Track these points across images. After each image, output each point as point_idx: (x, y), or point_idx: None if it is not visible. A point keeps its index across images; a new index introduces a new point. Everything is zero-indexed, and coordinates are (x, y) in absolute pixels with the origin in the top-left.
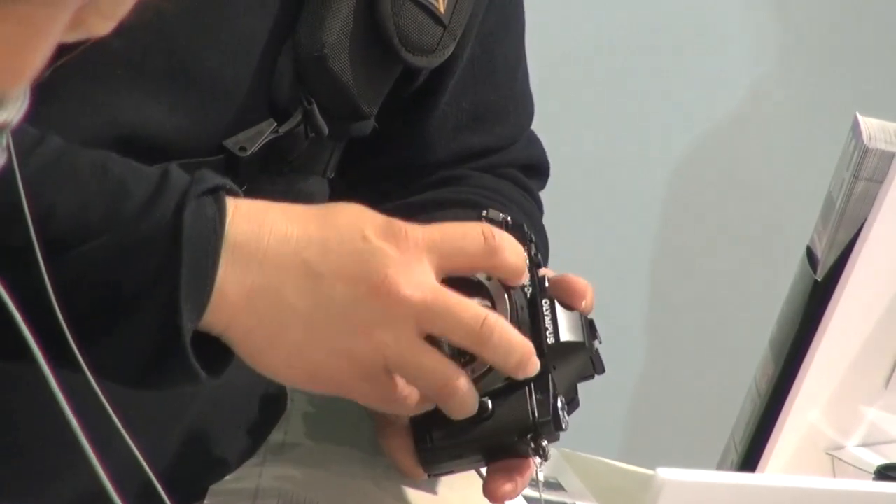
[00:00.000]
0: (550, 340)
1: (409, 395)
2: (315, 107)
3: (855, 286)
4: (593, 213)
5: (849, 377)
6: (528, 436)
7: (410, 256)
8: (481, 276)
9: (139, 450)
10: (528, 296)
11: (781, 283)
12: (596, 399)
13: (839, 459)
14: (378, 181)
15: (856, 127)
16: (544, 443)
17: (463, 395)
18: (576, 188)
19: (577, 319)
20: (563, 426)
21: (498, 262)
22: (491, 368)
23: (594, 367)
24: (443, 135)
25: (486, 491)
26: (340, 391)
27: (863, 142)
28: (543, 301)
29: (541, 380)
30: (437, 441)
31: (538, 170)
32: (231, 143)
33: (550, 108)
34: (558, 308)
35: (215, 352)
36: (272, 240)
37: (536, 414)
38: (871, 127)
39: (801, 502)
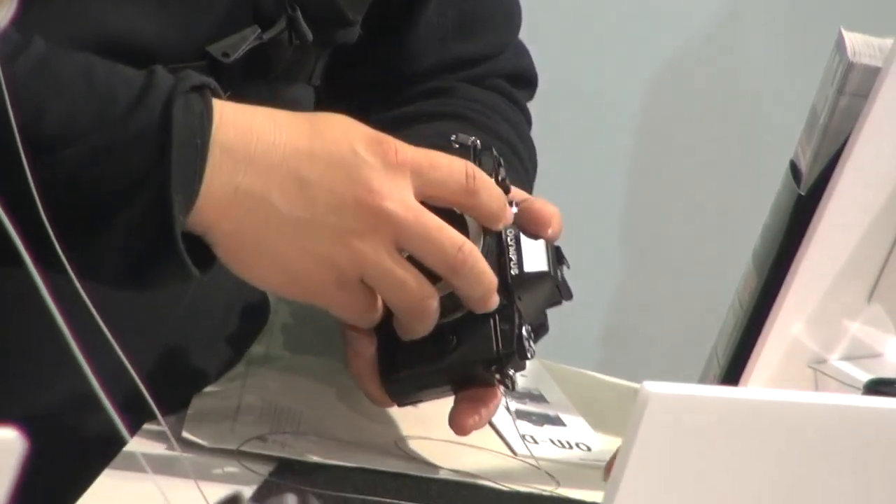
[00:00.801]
0: (514, 271)
1: (381, 309)
2: (299, 13)
3: (839, 200)
4: (571, 129)
5: (832, 291)
6: (493, 367)
7: (395, 173)
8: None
9: (127, 354)
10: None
11: (765, 196)
12: (577, 312)
13: (822, 373)
14: (364, 91)
15: (840, 42)
16: (510, 372)
17: (432, 315)
18: (550, 106)
19: (541, 248)
20: (529, 355)
21: (474, 203)
22: (450, 296)
23: (561, 294)
24: (429, 44)
25: (452, 423)
26: (316, 298)
27: (847, 57)
28: (508, 231)
29: (505, 310)
30: (404, 373)
31: (526, 80)
32: (214, 49)
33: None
34: (523, 238)
35: (199, 254)
36: (259, 146)
37: (500, 346)
38: (856, 42)
39: (790, 417)
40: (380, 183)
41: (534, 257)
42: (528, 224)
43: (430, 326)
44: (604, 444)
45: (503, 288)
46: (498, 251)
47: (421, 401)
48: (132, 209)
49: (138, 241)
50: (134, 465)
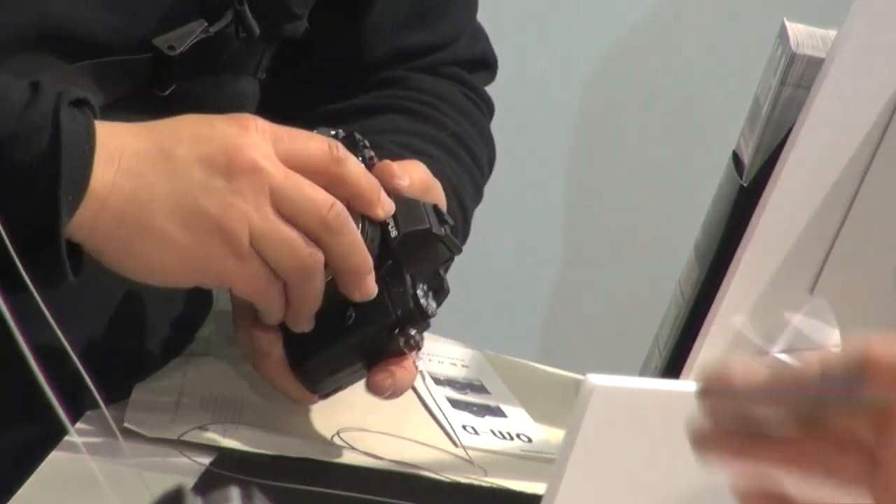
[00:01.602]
0: (394, 233)
1: (282, 288)
2: (246, 7)
3: (781, 192)
4: (510, 119)
5: (774, 283)
6: (395, 332)
7: (258, 138)
8: None
9: (67, 341)
10: None
11: (706, 187)
12: (516, 301)
13: None
14: (314, 82)
15: (783, 33)
16: (412, 332)
17: (320, 274)
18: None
19: (418, 208)
20: (430, 312)
21: (340, 172)
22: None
23: (449, 249)
24: (380, 34)
25: (369, 388)
26: (215, 276)
27: (790, 48)
28: None
29: (394, 274)
30: (313, 361)
31: (484, 64)
32: (160, 41)
33: None
34: (396, 199)
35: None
36: (128, 137)
37: (396, 308)
38: (799, 33)
39: None
40: (248, 143)
41: (410, 217)
42: (383, 182)
43: (319, 290)
44: (545, 435)
45: (387, 252)
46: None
47: (341, 387)
48: (18, 203)
49: (21, 238)
50: (76, 452)
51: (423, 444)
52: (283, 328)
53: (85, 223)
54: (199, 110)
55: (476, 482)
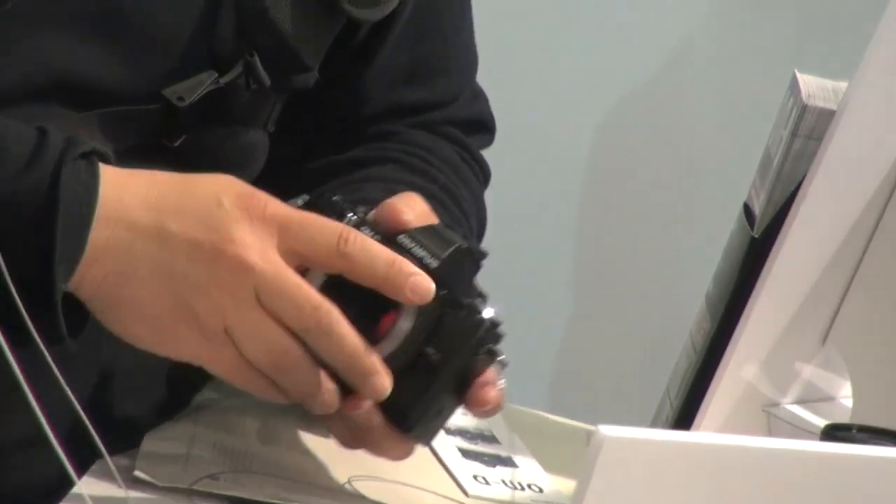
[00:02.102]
0: (434, 263)
1: (250, 367)
2: (256, 59)
3: (792, 243)
4: (520, 171)
5: (785, 334)
6: (483, 351)
7: (260, 227)
8: None
9: (75, 395)
10: (382, 239)
11: (718, 238)
12: (527, 352)
13: (775, 416)
14: (310, 134)
15: (794, 84)
16: (494, 348)
17: (300, 370)
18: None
19: (438, 231)
20: (499, 321)
21: (348, 267)
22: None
23: (477, 256)
24: (379, 89)
25: (472, 406)
26: (185, 353)
27: (801, 99)
28: (399, 238)
29: (451, 302)
30: (416, 413)
31: (481, 126)
32: (169, 92)
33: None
34: (417, 234)
35: (69, 318)
36: (132, 201)
37: (473, 330)
38: (810, 84)
39: (745, 461)
40: (241, 234)
41: (439, 242)
42: (390, 221)
43: (307, 383)
44: (556, 485)
45: (434, 282)
46: (404, 253)
47: (441, 428)
48: (15, 266)
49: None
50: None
51: (433, 492)
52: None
53: (75, 277)
54: (209, 161)
55: None
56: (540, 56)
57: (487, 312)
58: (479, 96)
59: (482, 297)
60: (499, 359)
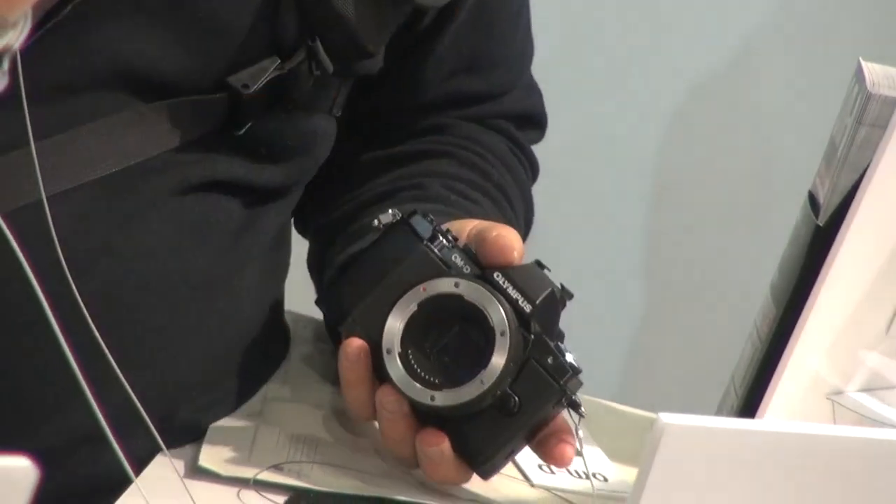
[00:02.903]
0: (528, 308)
1: None
2: (319, 44)
3: (857, 232)
4: (589, 166)
5: (850, 322)
6: (562, 401)
7: None
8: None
9: (134, 389)
10: (475, 273)
11: (783, 227)
12: (595, 341)
13: (840, 405)
14: (368, 122)
15: (859, 72)
16: (574, 397)
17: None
18: (568, 135)
19: (533, 272)
20: (580, 369)
21: None
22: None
23: (564, 299)
24: (438, 77)
25: (550, 461)
26: None
27: (866, 88)
28: (495, 275)
29: (539, 346)
30: (490, 452)
31: (533, 121)
32: (234, 80)
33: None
34: (512, 273)
35: None
36: None
37: (558, 379)
38: (875, 72)
39: (804, 449)
40: None
41: (533, 283)
42: (493, 255)
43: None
44: (621, 474)
45: (525, 327)
46: (500, 294)
47: (505, 465)
48: None
49: None
50: (147, 496)
51: (501, 474)
52: (448, 427)
53: None
54: (273, 149)
55: None
56: (606, 51)
57: (570, 357)
58: (533, 89)
59: (560, 336)
60: (580, 410)
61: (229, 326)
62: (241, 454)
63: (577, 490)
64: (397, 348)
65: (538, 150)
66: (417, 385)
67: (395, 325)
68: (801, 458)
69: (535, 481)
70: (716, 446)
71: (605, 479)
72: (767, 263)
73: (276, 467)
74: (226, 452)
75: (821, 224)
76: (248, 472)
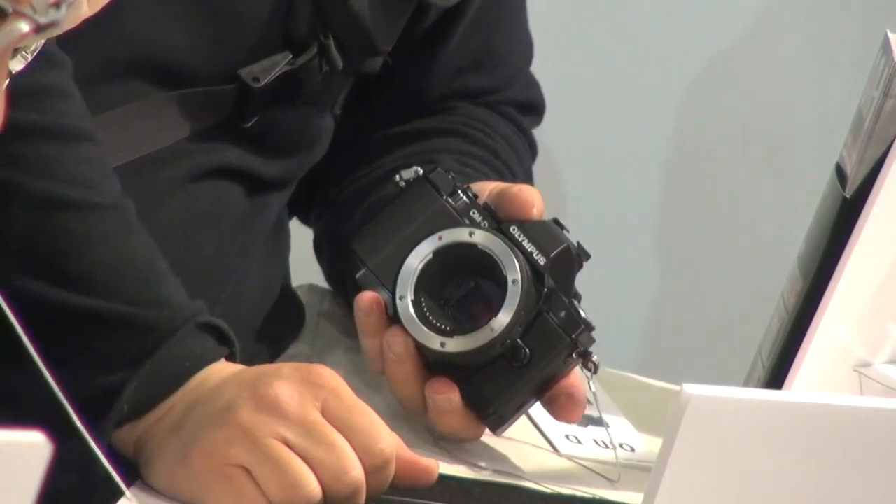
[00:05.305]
0: (542, 260)
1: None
2: (331, 41)
3: (884, 203)
4: (606, 134)
5: (877, 294)
6: (573, 354)
7: (310, 387)
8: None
9: None
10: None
11: (810, 198)
12: (618, 313)
13: (866, 377)
14: (372, 115)
15: (886, 44)
16: (587, 351)
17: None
18: (585, 114)
19: (549, 228)
20: (593, 326)
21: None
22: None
23: (582, 258)
24: (445, 75)
25: (559, 417)
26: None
27: (893, 59)
28: (511, 228)
29: (552, 299)
30: (499, 403)
31: (533, 108)
32: (245, 72)
33: (551, 40)
34: (528, 226)
35: None
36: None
37: (569, 332)
38: None
39: (831, 420)
40: (295, 402)
41: (548, 238)
42: (514, 210)
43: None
44: (648, 444)
45: (539, 280)
46: (515, 247)
47: (515, 420)
48: (87, 374)
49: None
50: None
51: (526, 443)
52: (458, 377)
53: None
54: (278, 143)
55: (579, 493)
56: (628, 15)
57: (584, 318)
58: (532, 82)
59: (577, 296)
60: (592, 360)
61: (239, 308)
62: None
63: (604, 460)
64: (410, 295)
65: (568, 116)
66: (427, 330)
67: (409, 271)
68: (827, 429)
69: (561, 451)
70: (740, 417)
71: (632, 450)
72: (795, 234)
73: None
74: None
75: (848, 196)
76: None
